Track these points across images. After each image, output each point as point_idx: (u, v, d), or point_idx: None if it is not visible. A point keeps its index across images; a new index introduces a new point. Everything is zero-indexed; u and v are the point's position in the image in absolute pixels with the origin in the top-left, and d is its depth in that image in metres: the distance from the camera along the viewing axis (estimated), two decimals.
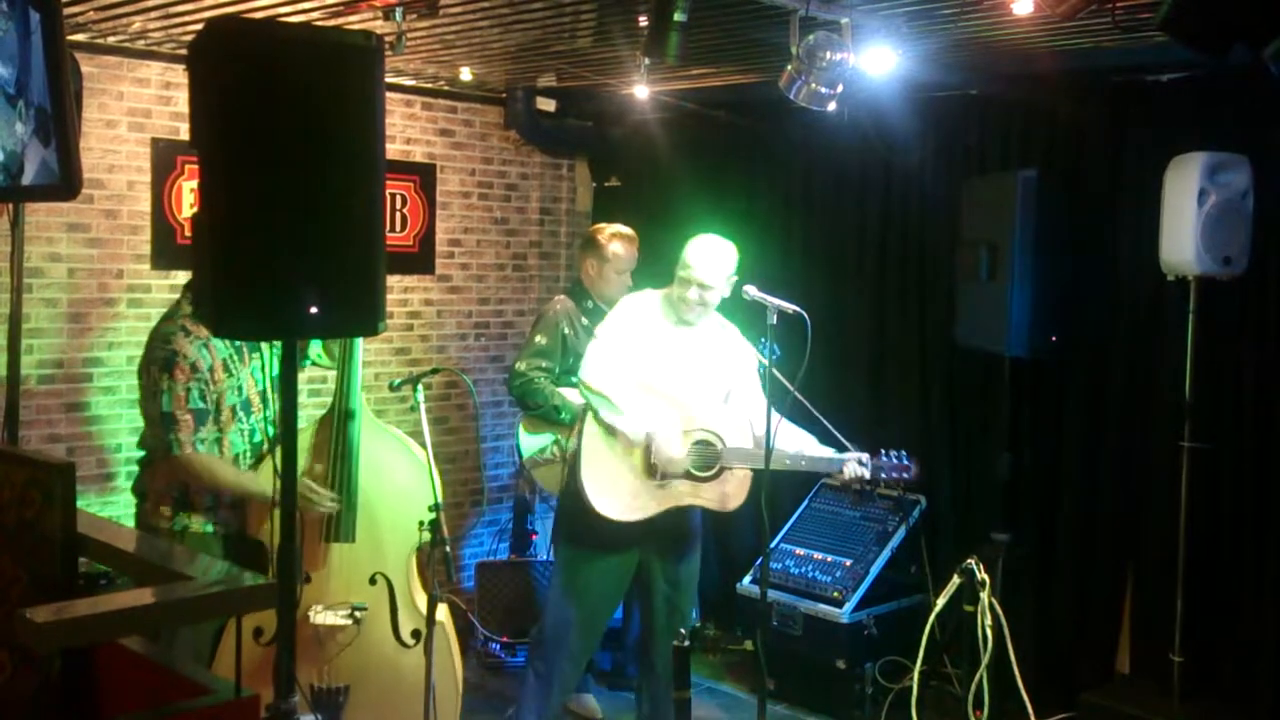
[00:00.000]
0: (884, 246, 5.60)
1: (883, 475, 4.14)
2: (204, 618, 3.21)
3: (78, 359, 5.04)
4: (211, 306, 2.19)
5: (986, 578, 4.20)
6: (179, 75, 5.18)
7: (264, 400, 3.82)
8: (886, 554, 5.07)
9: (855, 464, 4.09)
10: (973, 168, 5.23)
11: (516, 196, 6.54)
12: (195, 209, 2.51)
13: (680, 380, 4.16)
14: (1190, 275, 4.28)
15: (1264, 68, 3.08)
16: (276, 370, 2.94)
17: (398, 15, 4.08)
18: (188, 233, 5.12)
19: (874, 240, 5.63)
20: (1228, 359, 4.50)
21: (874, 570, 5.02)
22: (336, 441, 3.85)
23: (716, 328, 4.29)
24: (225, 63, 2.10)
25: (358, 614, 3.83)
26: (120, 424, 5.13)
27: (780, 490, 5.16)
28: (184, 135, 3.69)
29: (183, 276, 5.03)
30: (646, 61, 4.66)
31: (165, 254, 5.21)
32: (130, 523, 4.14)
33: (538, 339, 4.82)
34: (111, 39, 4.92)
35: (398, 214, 6.00)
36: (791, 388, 4.01)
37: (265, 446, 3.84)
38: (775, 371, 4.05)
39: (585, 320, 4.83)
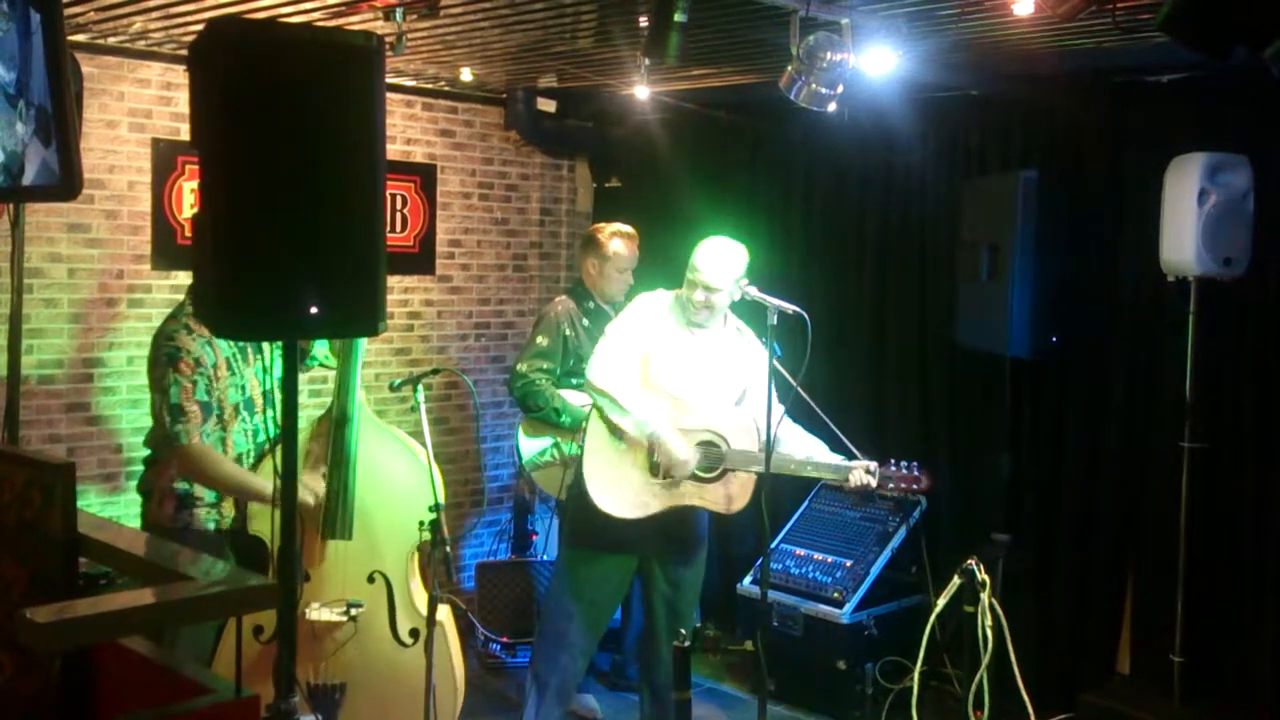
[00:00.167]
0: (884, 247, 5.60)
1: (891, 485, 4.10)
2: (204, 618, 3.21)
3: (78, 359, 5.04)
4: (212, 307, 2.19)
5: (987, 578, 4.20)
6: (179, 76, 5.19)
7: (267, 400, 3.83)
8: (887, 554, 5.07)
9: (863, 472, 4.06)
10: (973, 168, 5.24)
11: (517, 197, 6.55)
12: (196, 209, 2.51)
13: (687, 381, 4.15)
14: (1190, 276, 4.28)
15: (1264, 68, 3.08)
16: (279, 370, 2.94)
17: (398, 16, 4.08)
18: (188, 233, 5.13)
19: (874, 240, 5.63)
20: (1228, 360, 4.50)
21: (874, 571, 5.02)
22: (333, 444, 3.86)
23: (731, 331, 4.27)
24: (226, 63, 2.10)
25: (354, 611, 3.83)
26: (121, 424, 5.14)
27: (781, 491, 5.16)
28: (184, 135, 3.69)
29: (183, 277, 5.05)
30: (647, 62, 4.67)
31: (166, 254, 5.22)
32: (130, 522, 4.15)
33: (539, 340, 4.82)
34: (112, 39, 4.92)
35: (398, 214, 6.00)
36: (800, 389, 4.00)
37: (268, 446, 3.85)
38: (785, 373, 4.05)
39: (586, 321, 4.83)
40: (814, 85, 3.92)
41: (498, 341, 6.49)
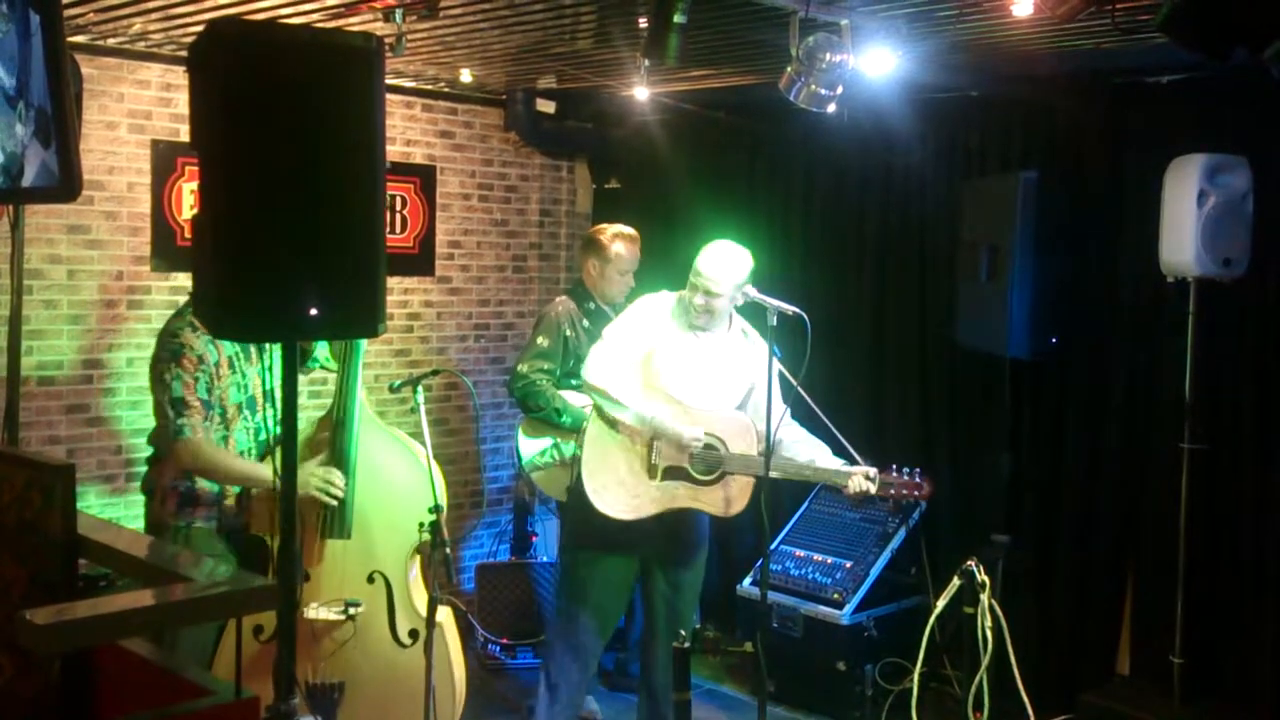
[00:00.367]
0: (884, 247, 5.60)
1: (892, 492, 4.03)
2: (204, 619, 3.22)
3: (78, 361, 5.04)
4: (212, 308, 2.19)
5: (986, 579, 4.20)
6: (179, 77, 5.19)
7: (268, 399, 3.84)
8: (886, 555, 5.07)
9: (862, 478, 3.98)
10: (973, 169, 5.24)
11: (516, 198, 6.55)
12: (195, 210, 2.50)
13: (688, 383, 4.14)
14: (1190, 277, 4.28)
15: (1264, 69, 3.08)
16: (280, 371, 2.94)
17: (398, 17, 4.08)
18: (188, 234, 5.13)
19: (874, 241, 5.63)
20: (1227, 361, 4.50)
21: (874, 572, 5.02)
22: (332, 445, 3.87)
23: (736, 334, 4.26)
24: (226, 64, 2.10)
25: (352, 611, 3.83)
26: (120, 426, 5.14)
27: (780, 492, 5.16)
28: (184, 137, 3.69)
29: (183, 278, 5.05)
30: (646, 63, 4.66)
31: (165, 256, 5.22)
32: (132, 523, 4.16)
33: (539, 341, 4.82)
34: (112, 41, 4.92)
35: (398, 215, 6.00)
36: (803, 391, 4.00)
37: (270, 443, 3.86)
38: (787, 374, 4.04)
39: (587, 322, 4.83)
40: (813, 86, 3.92)
41: (497, 343, 6.49)
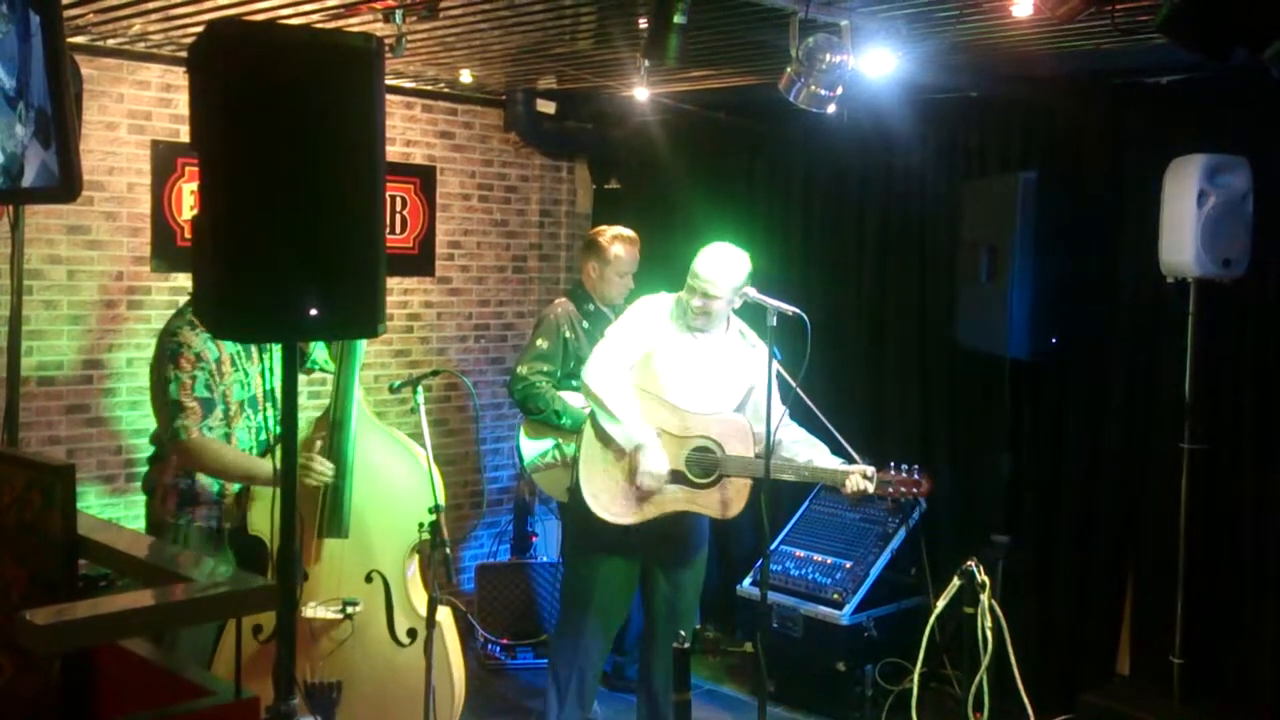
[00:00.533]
0: (884, 248, 5.60)
1: (890, 490, 4.02)
2: (204, 620, 3.22)
3: (78, 361, 5.04)
4: (211, 309, 2.19)
5: (986, 579, 4.20)
6: (179, 78, 5.19)
7: (269, 399, 3.85)
8: (886, 556, 5.07)
9: (860, 478, 3.97)
10: (973, 169, 5.24)
11: (516, 199, 6.55)
12: (195, 211, 2.51)
13: (686, 385, 4.15)
14: (1190, 277, 4.28)
15: (1264, 69, 3.08)
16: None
17: (398, 18, 4.08)
18: (188, 235, 5.13)
19: (874, 242, 5.63)
20: (1227, 361, 4.50)
21: (874, 572, 5.02)
22: (330, 445, 3.87)
23: (735, 336, 4.26)
24: (226, 65, 2.10)
25: (350, 610, 3.83)
26: (120, 426, 5.14)
27: (780, 492, 5.16)
28: (184, 137, 3.69)
29: (183, 278, 5.05)
30: (646, 64, 4.66)
31: (165, 256, 5.22)
32: (130, 524, 4.16)
33: (539, 342, 4.81)
34: (112, 41, 4.92)
35: (398, 216, 6.01)
36: (801, 392, 4.00)
37: (270, 444, 3.87)
38: (786, 375, 4.04)
39: (586, 324, 4.83)
40: (813, 87, 3.92)
41: (497, 343, 6.49)
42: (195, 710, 2.21)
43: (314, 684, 3.85)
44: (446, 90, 6.08)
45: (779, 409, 4.00)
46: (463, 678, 4.07)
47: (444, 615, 3.89)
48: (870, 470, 4.01)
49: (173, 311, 3.94)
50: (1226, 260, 4.24)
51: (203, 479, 3.82)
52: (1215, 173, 4.22)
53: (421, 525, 3.82)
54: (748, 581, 5.26)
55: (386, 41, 4.02)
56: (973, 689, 4.32)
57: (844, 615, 4.91)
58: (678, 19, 3.51)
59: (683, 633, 3.67)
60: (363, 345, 4.00)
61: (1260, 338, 4.45)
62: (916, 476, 4.04)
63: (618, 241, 4.89)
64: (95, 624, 2.12)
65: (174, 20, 4.47)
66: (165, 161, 5.22)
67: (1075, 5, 3.26)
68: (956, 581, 4.27)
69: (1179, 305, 4.40)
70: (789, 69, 3.93)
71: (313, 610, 3.81)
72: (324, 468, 3.82)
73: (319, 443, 3.89)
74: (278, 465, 2.34)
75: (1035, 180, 4.63)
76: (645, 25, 3.82)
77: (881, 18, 3.92)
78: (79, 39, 4.76)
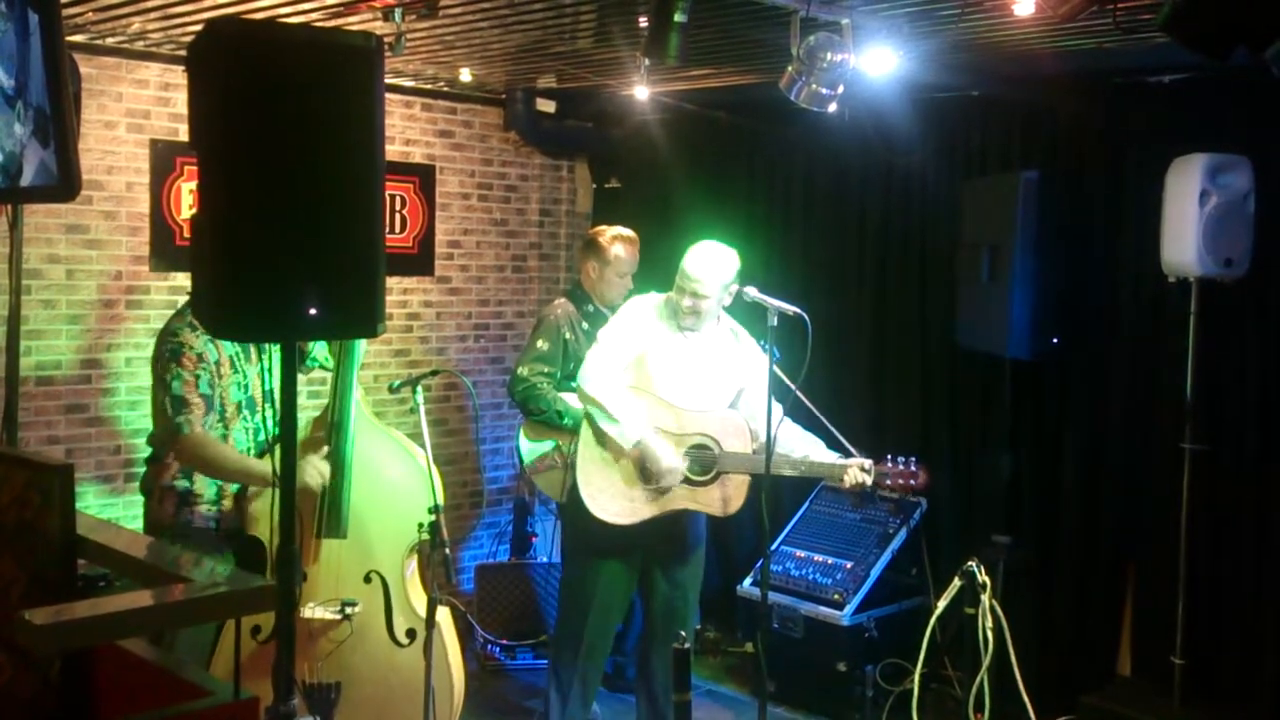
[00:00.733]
0: (885, 248, 5.59)
1: (888, 482, 4.06)
2: (203, 620, 3.21)
3: (76, 361, 5.03)
4: (210, 308, 2.18)
5: (987, 580, 4.20)
6: (178, 76, 5.18)
7: (268, 399, 3.84)
8: (887, 556, 5.06)
9: (858, 470, 4.02)
10: (973, 169, 5.23)
11: (516, 198, 6.54)
12: (194, 210, 2.50)
13: (679, 384, 4.15)
14: (1191, 277, 4.28)
15: (1265, 69, 3.08)
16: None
17: (397, 16, 4.07)
18: (186, 234, 5.12)
19: (874, 241, 5.63)
20: (1229, 361, 4.49)
21: (875, 572, 5.01)
22: (328, 445, 3.86)
23: (726, 333, 4.27)
24: (225, 64, 2.09)
25: (349, 610, 3.83)
26: (119, 426, 5.13)
27: (781, 492, 5.16)
28: (183, 136, 3.70)
29: (182, 278, 5.04)
30: (647, 62, 4.66)
31: (164, 255, 5.21)
32: (128, 524, 4.15)
33: (539, 343, 4.80)
34: (110, 40, 4.92)
35: (397, 215, 6.00)
36: (797, 390, 4.00)
37: (269, 444, 3.86)
38: (782, 375, 4.04)
39: (586, 324, 4.82)
40: (814, 86, 3.92)
41: (497, 343, 6.48)
42: (195, 710, 2.21)
43: (313, 684, 3.84)
44: (446, 89, 6.08)
45: (776, 408, 4.00)
46: (462, 678, 4.06)
47: (443, 615, 3.88)
48: (868, 463, 4.04)
49: (172, 312, 3.94)
50: (1228, 260, 4.23)
51: (201, 480, 3.81)
52: (1217, 172, 4.21)
53: (421, 525, 3.82)
54: (748, 582, 5.25)
55: (386, 40, 4.02)
56: (973, 689, 4.32)
57: (845, 615, 4.90)
58: (678, 17, 3.51)
59: (683, 633, 3.66)
60: (361, 345, 3.99)
61: (1261, 338, 4.44)
62: (913, 468, 4.07)
63: (618, 241, 4.88)
64: (94, 624, 2.12)
65: (173, 19, 4.46)
66: (164, 160, 5.22)
67: (1077, 4, 3.26)
68: (957, 582, 4.27)
69: (1180, 305, 4.40)
70: (790, 68, 3.93)
71: (311, 611, 3.81)
72: (321, 469, 3.81)
73: (325, 448, 3.87)
74: (277, 467, 2.33)
75: (1036, 180, 4.63)
76: (645, 24, 3.81)
77: (883, 16, 3.91)
78: (78, 37, 4.75)
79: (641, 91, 5.52)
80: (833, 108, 4.03)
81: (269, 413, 3.84)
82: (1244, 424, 4.47)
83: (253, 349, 3.86)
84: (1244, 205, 4.26)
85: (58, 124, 2.94)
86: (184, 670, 2.40)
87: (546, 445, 4.81)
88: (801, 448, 4.14)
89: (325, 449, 3.87)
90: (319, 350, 4.06)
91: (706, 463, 4.11)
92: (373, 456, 3.94)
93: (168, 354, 3.71)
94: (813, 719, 5.04)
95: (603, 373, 4.10)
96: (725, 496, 4.12)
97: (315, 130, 2.15)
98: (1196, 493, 4.39)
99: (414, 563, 4.04)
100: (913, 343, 5.48)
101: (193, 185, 5.10)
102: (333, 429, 3.87)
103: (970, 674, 4.32)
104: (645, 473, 4.08)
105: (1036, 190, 4.61)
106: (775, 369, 4.03)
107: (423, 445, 3.91)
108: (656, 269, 4.95)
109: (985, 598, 4.20)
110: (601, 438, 4.11)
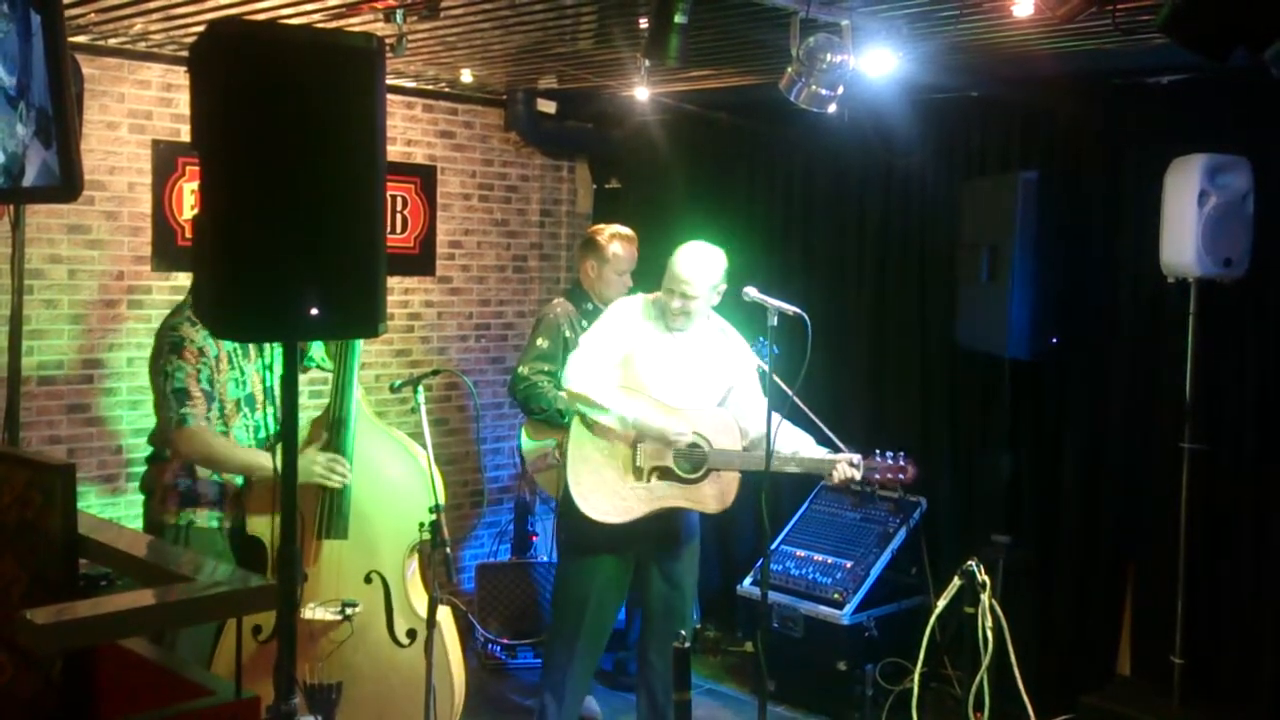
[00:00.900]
0: (884, 248, 5.60)
1: (876, 476, 4.09)
2: (204, 619, 3.22)
3: (78, 360, 5.04)
4: (211, 308, 2.19)
5: (987, 579, 4.20)
6: (180, 77, 5.19)
7: (268, 396, 3.85)
8: (887, 555, 5.06)
9: (846, 465, 4.04)
10: (973, 169, 5.24)
11: (517, 198, 6.55)
12: (196, 210, 2.51)
13: (668, 383, 4.16)
14: (1191, 277, 4.28)
15: (1264, 69, 3.08)
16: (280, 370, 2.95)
17: (398, 17, 4.08)
18: (188, 234, 5.13)
19: (874, 242, 5.63)
20: (1228, 361, 4.50)
21: (874, 572, 5.02)
22: (329, 446, 3.87)
23: (714, 332, 4.28)
24: (226, 65, 2.10)
25: (349, 611, 3.83)
26: (121, 425, 5.14)
27: (781, 492, 5.16)
28: (185, 137, 3.69)
29: (183, 278, 5.05)
30: (647, 63, 4.67)
31: (166, 255, 5.22)
32: (130, 524, 4.16)
33: (539, 342, 4.81)
34: (113, 41, 4.92)
35: (398, 215, 6.01)
36: (789, 390, 4.01)
37: (269, 441, 3.87)
38: (774, 375, 4.05)
39: (585, 323, 4.82)
40: (814, 86, 3.92)
41: (498, 342, 6.49)
42: (195, 710, 2.22)
43: (314, 684, 3.85)
44: (447, 90, 6.08)
45: (775, 412, 4.01)
46: (463, 678, 4.06)
47: (444, 615, 3.88)
48: (856, 458, 4.06)
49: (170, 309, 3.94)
50: (1227, 260, 4.24)
51: (203, 479, 3.81)
52: (1216, 173, 4.22)
53: (422, 525, 3.82)
54: (748, 581, 5.26)
55: (387, 41, 4.02)
56: (973, 689, 4.32)
57: (844, 615, 4.91)
58: (679, 18, 3.51)
59: (683, 632, 3.67)
60: (361, 344, 3.99)
61: (1260, 338, 4.45)
62: (902, 462, 4.08)
63: (616, 240, 4.89)
64: (95, 623, 2.12)
65: (175, 20, 4.47)
66: (166, 161, 5.22)
67: (1076, 5, 3.26)
68: (957, 581, 4.27)
69: (1179, 305, 4.40)
70: (790, 69, 3.93)
71: (312, 611, 3.81)
72: (340, 468, 3.82)
73: (325, 448, 3.88)
74: (278, 465, 2.34)
75: (1035, 180, 4.63)
76: (646, 25, 3.82)
77: (882, 17, 3.92)
78: (80, 38, 4.76)
79: (642, 92, 5.53)
80: (832, 109, 4.04)
81: (270, 411, 3.84)
82: (1243, 424, 4.47)
83: (251, 347, 3.86)
84: (1243, 205, 4.26)
85: (60, 124, 2.95)
86: (185, 670, 2.40)
87: (547, 444, 4.81)
88: (791, 444, 4.15)
89: (324, 440, 3.87)
90: (316, 350, 4.06)
91: (697, 460, 4.12)
92: (374, 456, 3.95)
93: (168, 347, 3.72)
94: (813, 718, 5.04)
95: (585, 370, 4.11)
96: (716, 493, 4.14)
97: (317, 131, 2.16)
98: (1196, 493, 4.40)
99: (415, 562, 4.04)
100: (912, 343, 5.49)
101: (194, 186, 5.11)
102: (334, 428, 3.88)
103: (970, 673, 4.33)
104: (638, 468, 4.07)
105: (1036, 191, 4.62)
106: (772, 374, 4.03)
107: (424, 445, 3.92)
108: (656, 269, 4.94)
109: (985, 597, 4.20)
110: (590, 436, 4.12)
